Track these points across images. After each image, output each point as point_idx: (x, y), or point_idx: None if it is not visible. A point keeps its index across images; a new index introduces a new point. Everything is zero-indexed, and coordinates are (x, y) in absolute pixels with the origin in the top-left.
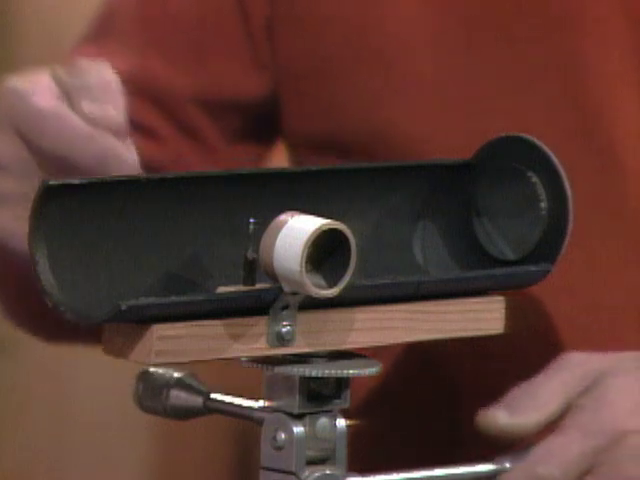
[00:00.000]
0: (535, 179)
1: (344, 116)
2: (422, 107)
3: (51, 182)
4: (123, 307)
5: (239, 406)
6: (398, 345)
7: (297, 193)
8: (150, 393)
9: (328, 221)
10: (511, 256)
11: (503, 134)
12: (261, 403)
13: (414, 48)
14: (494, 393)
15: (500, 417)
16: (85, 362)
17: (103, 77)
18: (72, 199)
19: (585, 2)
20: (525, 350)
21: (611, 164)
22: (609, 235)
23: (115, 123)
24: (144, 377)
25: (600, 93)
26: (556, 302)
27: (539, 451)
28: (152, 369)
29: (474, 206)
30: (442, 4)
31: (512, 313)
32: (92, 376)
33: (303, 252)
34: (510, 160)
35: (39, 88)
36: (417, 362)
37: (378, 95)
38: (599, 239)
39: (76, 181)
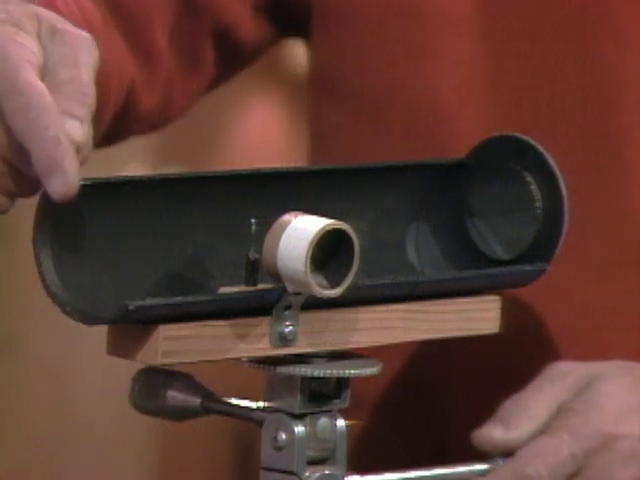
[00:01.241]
0: (530, 179)
1: (386, 70)
2: (452, 85)
3: None
4: (131, 307)
5: (237, 406)
6: (395, 347)
7: (296, 193)
8: (146, 394)
9: (332, 221)
10: (505, 256)
11: (497, 134)
12: (259, 403)
13: (453, 26)
14: (489, 393)
15: (495, 433)
16: (85, 362)
17: (79, 36)
18: (76, 199)
19: (615, 3)
20: (519, 349)
21: (618, 167)
22: (607, 236)
23: (84, 88)
24: (140, 378)
25: (617, 97)
26: (551, 302)
27: (528, 451)
28: (148, 370)
29: (468, 206)
30: None
31: (506, 312)
32: (92, 376)
33: (307, 252)
34: (504, 160)
35: (26, 60)
36: (415, 362)
37: (415, 60)
38: (597, 240)
39: (80, 182)
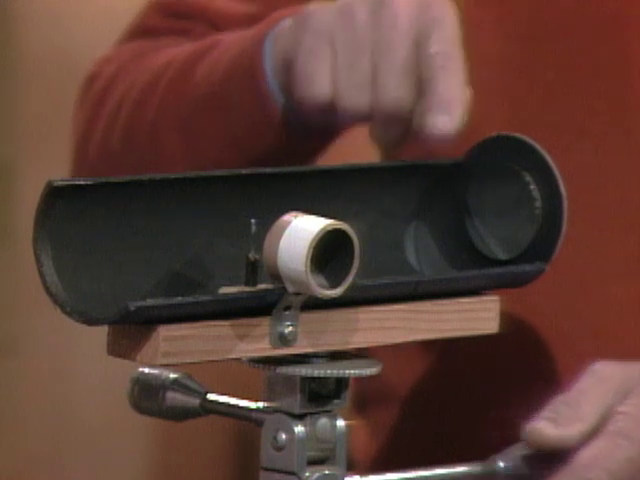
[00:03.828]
0: (529, 178)
1: None
2: (482, 89)
3: (56, 183)
4: (132, 308)
5: (236, 406)
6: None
7: (296, 193)
8: (145, 395)
9: (332, 221)
10: (504, 256)
11: (495, 133)
12: (259, 403)
13: (480, 29)
14: (504, 390)
15: (546, 429)
16: (85, 362)
17: None
18: (77, 200)
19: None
20: (536, 344)
21: (631, 147)
22: (629, 234)
23: None
24: (139, 379)
25: None
26: (570, 298)
27: (585, 456)
28: (147, 370)
29: (467, 206)
30: None
31: (524, 307)
32: (92, 376)
33: (308, 252)
34: (504, 160)
35: None
36: (418, 362)
37: None
38: (619, 237)
39: (81, 182)
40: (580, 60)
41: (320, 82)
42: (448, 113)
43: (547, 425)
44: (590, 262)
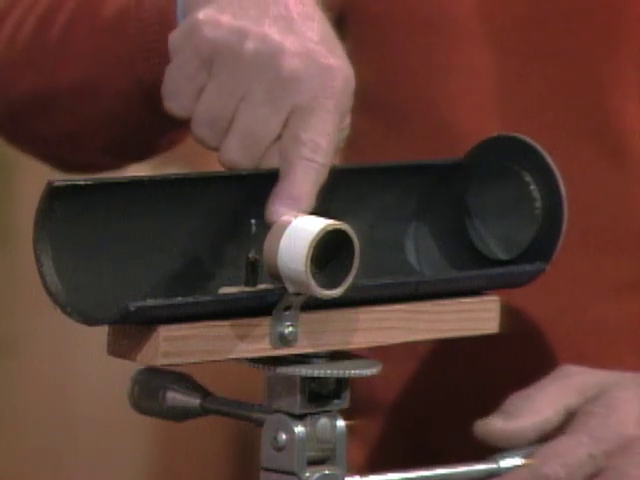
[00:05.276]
0: (529, 179)
1: (401, 82)
2: (473, 102)
3: (56, 183)
4: (132, 308)
5: (237, 406)
6: (398, 347)
7: None
8: (146, 394)
9: (332, 221)
10: (504, 256)
11: (495, 134)
12: (258, 403)
13: (476, 42)
14: (492, 405)
15: (496, 422)
16: (85, 363)
17: None
18: (77, 200)
19: (620, 22)
20: (526, 364)
21: (623, 170)
22: (624, 256)
23: None
24: (139, 379)
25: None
26: (562, 318)
27: (546, 451)
28: (147, 370)
29: (467, 206)
30: (502, 5)
31: (515, 326)
32: (92, 377)
33: (308, 253)
34: (504, 160)
35: None
36: (415, 364)
37: (431, 74)
38: (613, 259)
39: (81, 182)
40: (574, 74)
41: (177, 101)
42: (293, 208)
43: (496, 419)
44: (584, 284)
